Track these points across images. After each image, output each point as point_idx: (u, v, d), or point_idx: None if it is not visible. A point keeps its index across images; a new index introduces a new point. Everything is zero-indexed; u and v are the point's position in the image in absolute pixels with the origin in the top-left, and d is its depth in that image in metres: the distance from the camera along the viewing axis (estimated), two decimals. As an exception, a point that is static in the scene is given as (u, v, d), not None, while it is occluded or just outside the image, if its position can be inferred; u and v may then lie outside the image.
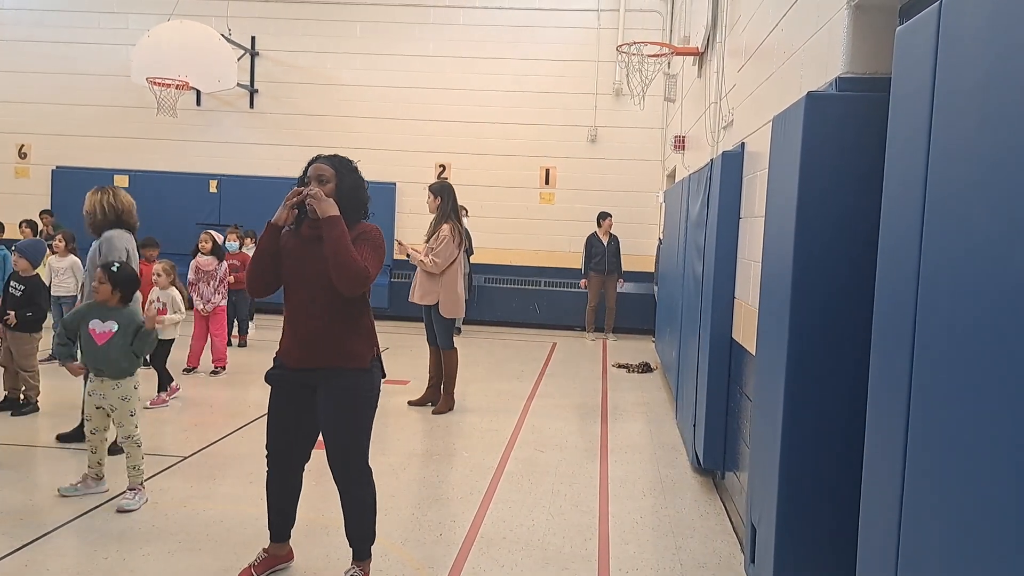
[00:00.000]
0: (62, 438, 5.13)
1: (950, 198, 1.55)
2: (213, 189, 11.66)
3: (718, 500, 4.59)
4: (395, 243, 6.86)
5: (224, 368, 7.54)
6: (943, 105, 1.59)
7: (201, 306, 7.42)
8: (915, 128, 1.71)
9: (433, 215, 6.50)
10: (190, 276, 7.53)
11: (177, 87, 9.75)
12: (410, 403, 6.59)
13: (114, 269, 4.20)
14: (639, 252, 11.16)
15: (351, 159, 3.30)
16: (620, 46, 7.96)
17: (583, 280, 10.81)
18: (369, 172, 12.47)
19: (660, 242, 10.70)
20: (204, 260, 7.57)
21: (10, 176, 12.29)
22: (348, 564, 3.36)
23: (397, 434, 5.77)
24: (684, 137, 8.63)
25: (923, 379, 1.64)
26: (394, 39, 11.79)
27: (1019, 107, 1.31)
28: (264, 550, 3.43)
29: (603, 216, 10.81)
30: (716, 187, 4.75)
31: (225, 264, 7.75)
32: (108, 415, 4.21)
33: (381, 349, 3.37)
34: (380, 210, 11.41)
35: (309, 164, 3.24)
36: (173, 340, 6.33)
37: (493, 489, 4.64)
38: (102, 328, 4.15)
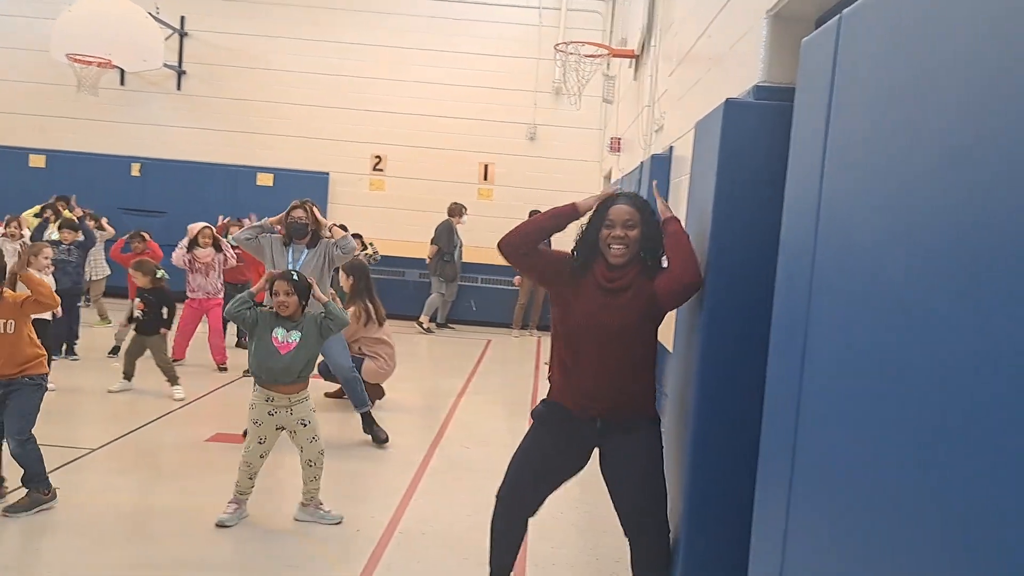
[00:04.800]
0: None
1: (839, 207, 1.60)
2: (136, 172, 11.26)
3: (637, 497, 4.66)
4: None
5: (224, 366, 7.33)
6: (838, 115, 1.64)
7: (200, 295, 7.31)
8: (813, 137, 1.76)
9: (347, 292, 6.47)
10: (180, 264, 7.33)
11: (99, 65, 9.37)
12: (327, 395, 6.52)
13: (295, 279, 3.94)
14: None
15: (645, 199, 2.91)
16: (558, 44, 7.99)
17: (517, 277, 10.86)
18: (301, 161, 12.31)
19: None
20: (203, 252, 7.37)
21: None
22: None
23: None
24: (620, 139, 8.73)
25: (810, 383, 1.69)
26: (331, 25, 11.58)
27: (904, 119, 1.36)
28: None
29: (533, 213, 10.84)
30: (644, 190, 4.81)
31: (223, 256, 7.48)
32: (280, 431, 3.93)
33: None
34: (313, 199, 11.29)
35: (606, 201, 2.84)
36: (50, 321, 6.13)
37: (416, 485, 4.61)
38: (286, 338, 3.89)
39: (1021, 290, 1.02)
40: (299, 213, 5.19)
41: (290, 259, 5.12)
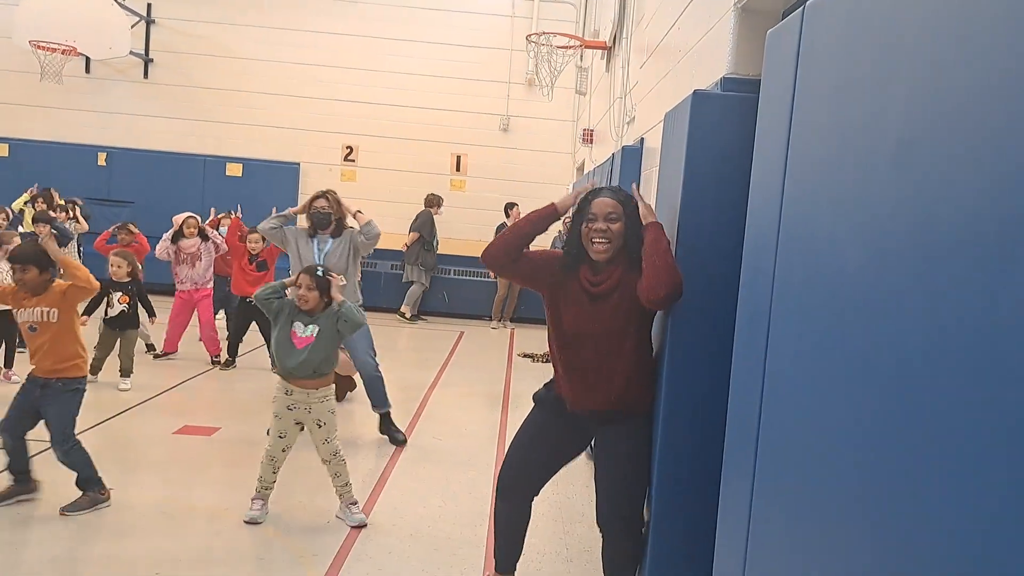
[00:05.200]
0: None
1: (802, 198, 1.62)
2: (102, 162, 11.06)
3: (608, 487, 4.69)
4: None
5: (219, 359, 7.22)
6: (801, 107, 1.66)
7: (188, 286, 7.22)
8: (777, 128, 1.78)
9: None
10: (164, 257, 7.20)
11: (64, 52, 9.19)
12: None
13: (319, 274, 3.85)
14: (547, 244, 11.26)
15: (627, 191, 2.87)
16: (530, 35, 7.98)
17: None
18: (271, 151, 12.17)
19: (559, 234, 10.84)
20: (188, 243, 7.25)
21: None
22: None
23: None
24: (592, 131, 8.75)
25: (774, 373, 1.72)
26: (301, 13, 11.45)
27: (863, 110, 1.38)
28: None
29: (511, 206, 10.88)
30: (617, 181, 4.83)
31: (212, 240, 7.32)
32: (301, 429, 3.89)
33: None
34: (282, 190, 11.23)
35: (587, 196, 2.78)
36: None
37: (387, 476, 4.60)
38: (304, 332, 3.80)
39: (973, 279, 1.04)
40: (321, 203, 5.10)
41: (316, 250, 5.06)
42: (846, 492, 1.35)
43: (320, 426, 3.84)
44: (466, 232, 11.37)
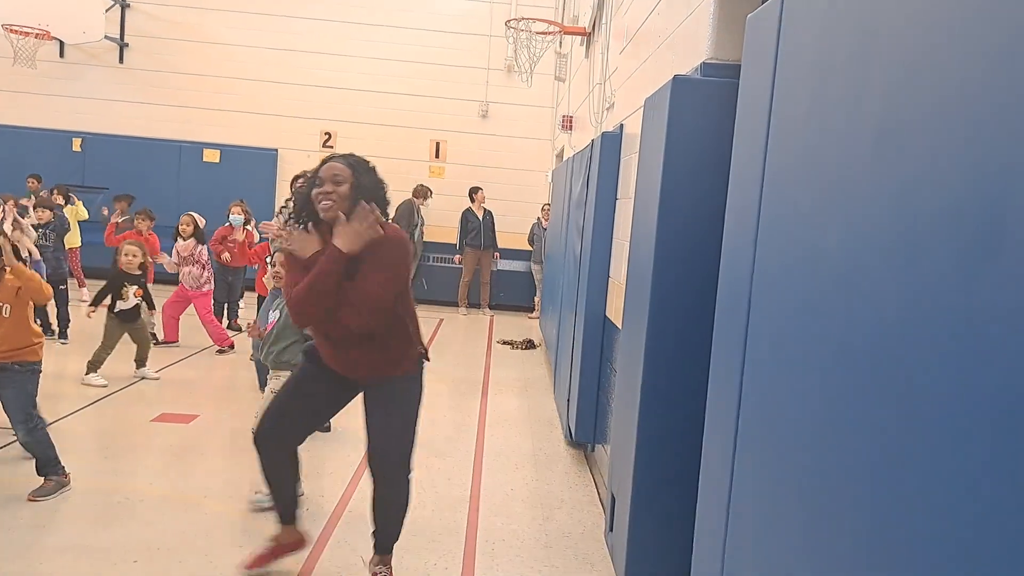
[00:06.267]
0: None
1: (782, 182, 1.63)
2: (77, 148, 10.88)
3: (588, 472, 4.72)
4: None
5: (232, 347, 7.23)
6: (781, 91, 1.66)
7: (188, 282, 7.22)
8: (757, 113, 1.78)
9: None
10: (175, 259, 7.25)
11: (37, 36, 9.02)
12: None
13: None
14: (527, 230, 11.23)
15: (367, 159, 2.98)
16: (509, 21, 7.94)
17: (457, 256, 10.89)
18: (249, 137, 12.01)
19: (537, 221, 10.87)
20: (182, 244, 7.19)
21: None
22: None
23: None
24: (572, 117, 8.73)
25: (753, 356, 1.73)
26: (279, -1, 11.32)
27: (843, 94, 1.38)
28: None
29: (475, 190, 10.90)
30: (595, 168, 4.83)
31: (205, 249, 7.32)
32: None
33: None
34: (260, 176, 11.12)
35: (321, 164, 2.89)
36: None
37: (365, 464, 4.58)
38: (273, 316, 3.76)
39: (954, 264, 1.05)
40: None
41: None
42: (827, 478, 1.36)
43: None
44: (444, 219, 11.29)
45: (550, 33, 7.86)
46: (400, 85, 11.45)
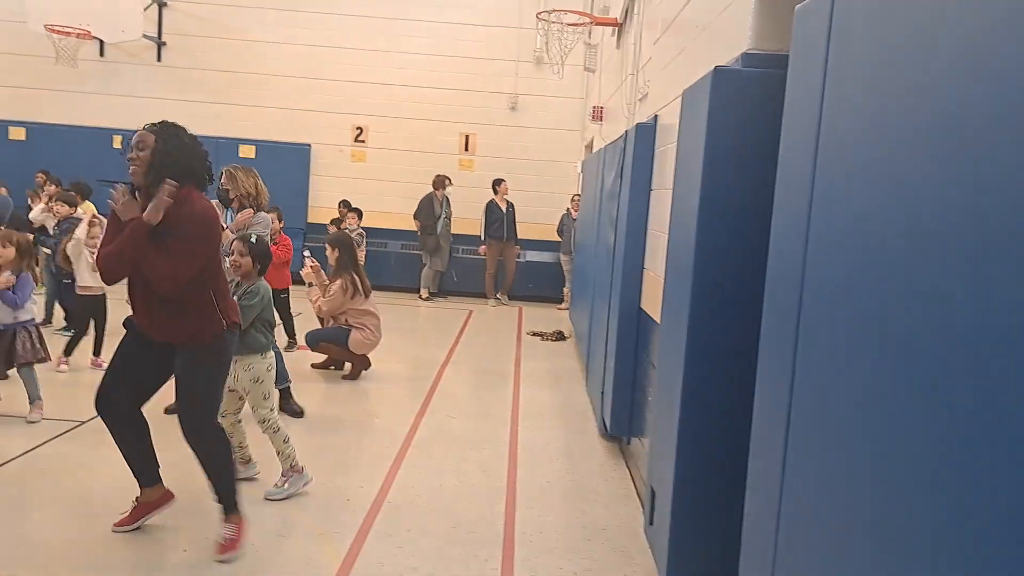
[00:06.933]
0: (169, 410, 4.78)
1: (835, 176, 1.61)
2: (117, 145, 11.06)
3: (623, 465, 4.72)
4: (304, 257, 6.74)
5: None
6: (834, 84, 1.64)
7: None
8: (808, 106, 1.76)
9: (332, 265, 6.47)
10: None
11: (78, 36, 9.18)
12: (313, 366, 6.55)
13: (253, 241, 3.92)
14: (556, 221, 11.21)
15: (182, 127, 3.24)
16: (540, 13, 7.91)
17: (482, 247, 10.91)
18: (283, 133, 12.14)
19: (567, 212, 10.85)
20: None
21: None
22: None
23: (305, 399, 5.67)
24: (602, 108, 8.69)
25: (806, 348, 1.71)
26: (310, -5, 11.40)
27: (901, 84, 1.36)
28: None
29: (498, 182, 10.93)
30: (629, 158, 4.80)
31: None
32: (240, 398, 3.97)
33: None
34: (294, 171, 11.23)
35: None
36: None
37: (403, 455, 4.63)
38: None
39: (1022, 254, 1.03)
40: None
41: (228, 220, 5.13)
42: (889, 475, 1.35)
43: (243, 395, 3.97)
44: (472, 211, 11.27)
45: (581, 24, 7.82)
46: (430, 79, 11.47)
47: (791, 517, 1.73)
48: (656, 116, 4.64)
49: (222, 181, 5.10)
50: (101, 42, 10.75)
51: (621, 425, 4.67)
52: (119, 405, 3.30)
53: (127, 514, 3.42)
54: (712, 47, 3.41)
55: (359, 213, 9.52)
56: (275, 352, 5.15)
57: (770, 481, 1.85)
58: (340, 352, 6.36)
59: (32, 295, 4.89)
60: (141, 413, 3.36)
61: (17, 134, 11.03)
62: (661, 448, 3.03)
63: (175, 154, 3.11)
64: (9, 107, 11.13)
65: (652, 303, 4.22)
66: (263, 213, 5.18)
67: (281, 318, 7.10)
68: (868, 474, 1.38)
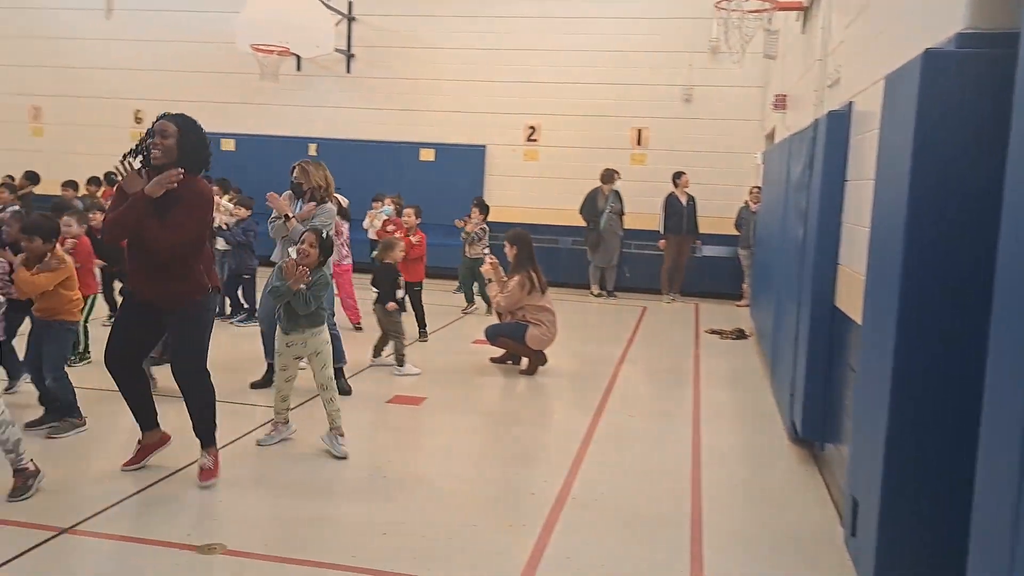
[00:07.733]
0: (256, 385, 5.52)
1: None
2: (313, 152, 11.99)
3: (816, 471, 4.50)
4: (487, 259, 7.10)
5: (359, 326, 7.61)
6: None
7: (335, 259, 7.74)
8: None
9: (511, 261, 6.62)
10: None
11: (280, 53, 10.03)
12: (492, 360, 6.77)
13: (324, 236, 4.46)
14: (733, 215, 10.83)
15: (194, 119, 3.77)
16: (719, 3, 7.68)
17: (661, 240, 10.69)
18: (459, 135, 12.69)
19: (745, 205, 10.43)
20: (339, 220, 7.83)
21: (127, 141, 12.97)
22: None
23: (485, 393, 5.86)
24: (785, 96, 8.30)
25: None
26: (485, 1, 11.75)
27: None
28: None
29: (678, 175, 10.69)
30: (820, 148, 4.57)
31: (346, 227, 7.46)
32: (300, 365, 4.52)
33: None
34: (470, 172, 11.66)
35: (155, 121, 3.71)
36: None
37: (583, 452, 4.68)
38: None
39: None
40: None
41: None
42: None
43: (314, 357, 4.40)
44: (645, 206, 11.10)
45: (764, 11, 7.51)
46: (601, 75, 11.48)
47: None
48: (851, 103, 4.37)
49: (295, 175, 5.48)
50: (298, 57, 11.68)
51: (814, 429, 4.45)
52: (125, 360, 3.86)
53: (133, 455, 3.99)
54: (919, 27, 3.17)
55: (483, 208, 9.30)
56: (335, 333, 5.49)
57: (1004, 492, 1.71)
58: (517, 347, 6.53)
59: None
60: (142, 367, 3.99)
61: (227, 145, 12.22)
62: (864, 456, 2.87)
63: (194, 144, 3.72)
64: (220, 121, 12.34)
65: (848, 301, 3.99)
66: (328, 204, 5.47)
67: (414, 309, 7.37)
68: None
